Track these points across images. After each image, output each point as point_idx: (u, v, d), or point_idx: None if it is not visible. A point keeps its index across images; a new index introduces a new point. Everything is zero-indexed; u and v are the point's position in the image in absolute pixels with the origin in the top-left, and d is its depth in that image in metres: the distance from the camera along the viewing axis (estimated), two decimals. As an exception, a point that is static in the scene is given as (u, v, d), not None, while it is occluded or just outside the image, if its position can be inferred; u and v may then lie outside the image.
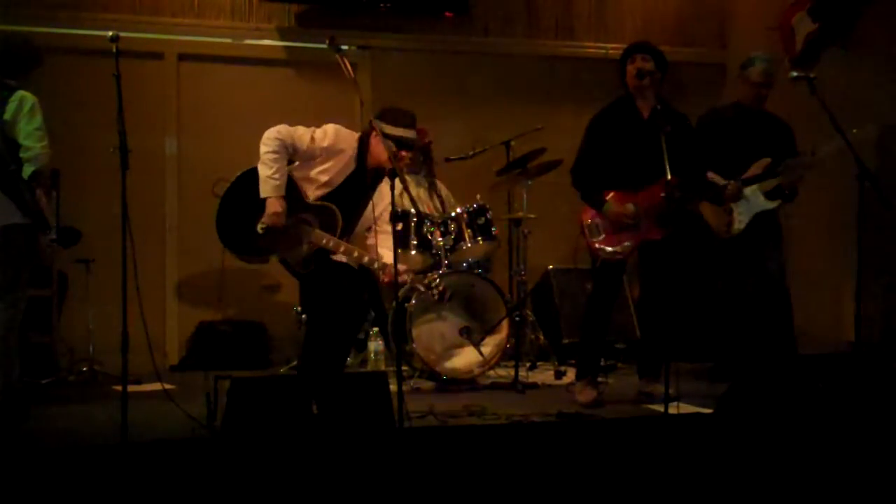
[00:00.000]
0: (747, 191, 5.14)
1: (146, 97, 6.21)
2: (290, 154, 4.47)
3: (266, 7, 6.59)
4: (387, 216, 4.59)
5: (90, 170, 5.82)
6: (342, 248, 4.43)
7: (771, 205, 5.17)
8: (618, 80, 4.89)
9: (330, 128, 4.53)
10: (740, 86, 5.33)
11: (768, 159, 5.11)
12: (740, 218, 5.16)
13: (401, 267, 4.24)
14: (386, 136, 4.39)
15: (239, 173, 4.55)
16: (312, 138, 4.46)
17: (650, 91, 4.77)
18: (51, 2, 6.19)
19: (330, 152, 4.49)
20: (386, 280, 4.43)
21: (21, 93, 4.27)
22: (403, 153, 4.53)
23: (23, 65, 4.40)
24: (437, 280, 4.50)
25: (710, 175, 5.14)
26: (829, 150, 4.93)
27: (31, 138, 4.20)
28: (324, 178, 4.51)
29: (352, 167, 4.53)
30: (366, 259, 4.48)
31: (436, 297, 4.48)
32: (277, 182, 4.40)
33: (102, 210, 5.30)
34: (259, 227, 4.41)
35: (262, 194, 4.41)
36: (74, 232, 5.81)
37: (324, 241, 4.42)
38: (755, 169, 5.13)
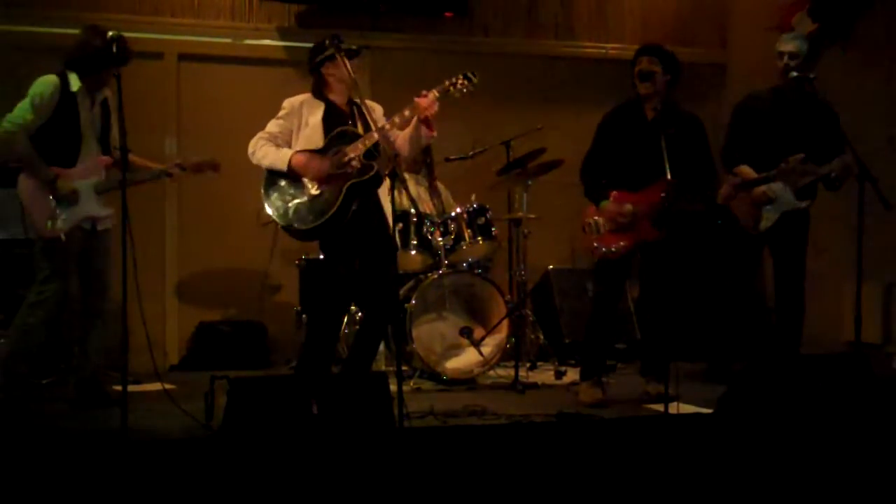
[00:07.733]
0: (776, 189, 4.99)
1: (146, 97, 6.20)
2: (278, 142, 4.59)
3: (266, 7, 6.59)
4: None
5: (90, 170, 5.81)
6: (375, 134, 4.46)
7: (801, 204, 5.01)
8: (618, 81, 4.91)
9: (284, 102, 4.70)
10: (777, 68, 5.09)
11: (801, 154, 4.91)
12: (768, 216, 5.03)
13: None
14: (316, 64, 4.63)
15: (262, 186, 4.61)
16: (277, 118, 4.65)
17: (655, 93, 4.77)
18: (51, 2, 6.18)
19: (293, 111, 4.65)
20: (425, 107, 4.47)
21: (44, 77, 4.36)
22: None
23: (95, 63, 4.42)
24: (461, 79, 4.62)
25: (743, 169, 5.07)
26: (834, 168, 4.88)
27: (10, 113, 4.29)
28: (308, 129, 4.60)
29: (320, 105, 4.64)
30: (406, 114, 4.51)
31: (465, 88, 4.60)
32: (283, 151, 4.54)
33: (102, 210, 5.29)
34: (314, 190, 4.50)
35: (284, 167, 4.51)
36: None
37: (361, 146, 4.47)
38: (783, 166, 4.93)
